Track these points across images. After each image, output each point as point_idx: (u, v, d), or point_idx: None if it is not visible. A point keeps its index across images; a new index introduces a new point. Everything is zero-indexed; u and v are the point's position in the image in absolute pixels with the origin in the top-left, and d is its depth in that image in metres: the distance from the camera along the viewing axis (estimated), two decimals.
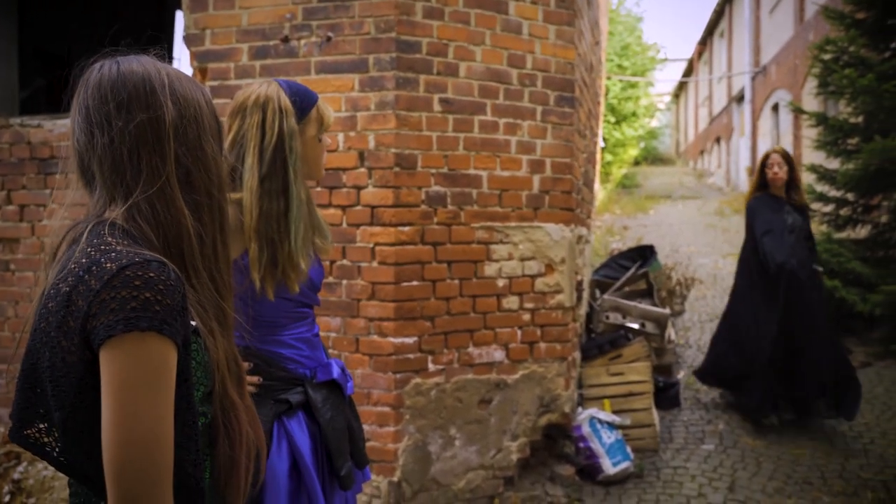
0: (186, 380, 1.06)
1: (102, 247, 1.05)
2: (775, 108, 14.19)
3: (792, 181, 4.85)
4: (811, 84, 11.54)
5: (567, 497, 4.01)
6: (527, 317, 3.91)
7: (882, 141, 5.65)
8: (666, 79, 25.94)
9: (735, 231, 11.79)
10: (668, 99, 31.05)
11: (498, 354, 3.83)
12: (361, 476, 2.06)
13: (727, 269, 9.09)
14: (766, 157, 4.94)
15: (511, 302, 3.87)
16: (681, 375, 5.74)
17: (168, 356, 1.01)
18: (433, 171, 3.63)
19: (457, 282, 3.71)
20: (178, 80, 1.16)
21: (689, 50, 26.09)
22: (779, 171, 4.81)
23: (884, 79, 5.84)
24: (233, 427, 1.15)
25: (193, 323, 1.09)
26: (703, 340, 6.75)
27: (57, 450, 1.05)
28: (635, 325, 4.75)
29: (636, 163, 23.28)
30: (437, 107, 3.63)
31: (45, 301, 1.05)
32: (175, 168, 1.12)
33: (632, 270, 5.45)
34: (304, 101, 1.94)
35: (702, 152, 23.96)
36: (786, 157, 4.86)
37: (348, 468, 1.94)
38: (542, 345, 3.96)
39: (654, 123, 23.44)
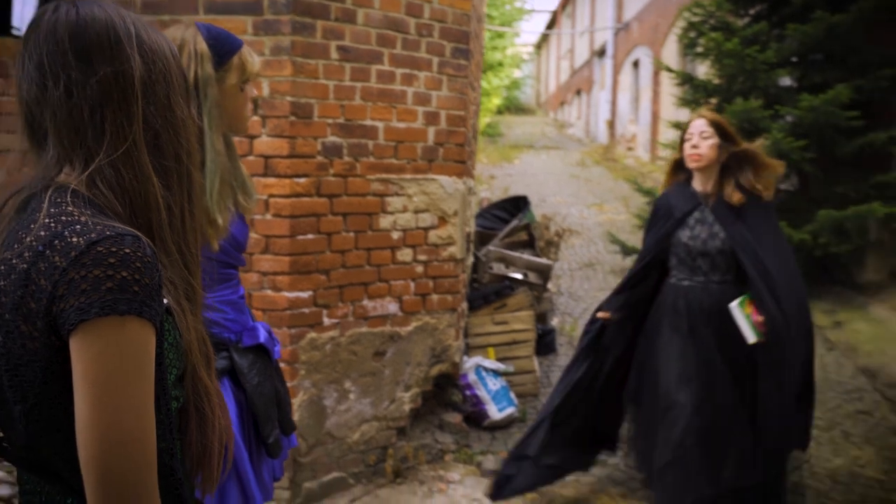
0: (160, 363, 0.96)
1: (63, 217, 0.93)
2: (636, 63, 14.79)
3: (739, 163, 3.14)
4: (671, 42, 12.11)
5: (456, 444, 4.13)
6: (420, 269, 3.93)
7: (743, 102, 6.04)
8: (530, 30, 26.33)
9: (597, 182, 12.33)
10: (530, 50, 31.59)
11: (392, 307, 3.84)
12: (288, 443, 2.01)
13: (592, 218, 9.52)
14: (689, 123, 3.26)
15: (405, 254, 3.87)
16: (555, 322, 6.00)
17: (149, 341, 0.91)
18: (329, 121, 3.52)
19: (352, 234, 3.66)
20: (144, 30, 1.04)
21: (554, 2, 26.56)
22: (700, 147, 3.12)
23: (746, 43, 6.21)
24: (205, 412, 1.07)
25: (165, 301, 0.99)
26: (573, 288, 7.07)
27: (13, 446, 0.95)
28: (518, 276, 4.89)
29: (498, 112, 23.66)
30: (334, 54, 3.51)
31: None
32: (143, 129, 1.01)
33: (514, 222, 5.58)
34: (223, 47, 1.81)
35: (562, 103, 24.68)
36: (718, 126, 3.14)
37: (276, 435, 1.88)
38: (435, 296, 4.01)
39: (517, 74, 23.84)
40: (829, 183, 6.29)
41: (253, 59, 1.86)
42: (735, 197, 3.08)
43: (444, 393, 4.36)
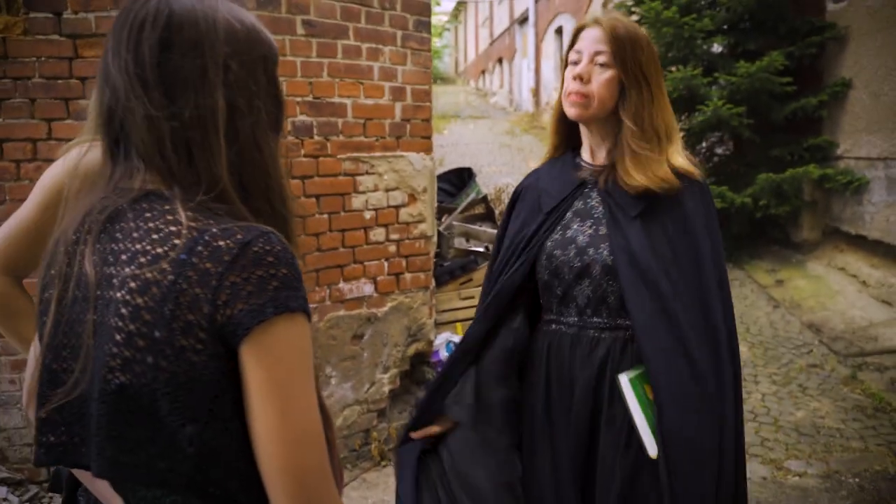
0: None
1: (191, 223, 0.86)
2: (559, 31, 14.90)
3: (634, 111, 1.68)
4: (596, 9, 12.22)
5: None
6: (392, 248, 3.87)
7: (683, 70, 6.17)
8: None
9: (528, 150, 12.43)
10: (445, 19, 31.39)
11: (367, 288, 3.77)
12: None
13: None
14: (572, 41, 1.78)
15: (378, 234, 3.80)
16: None
17: (310, 335, 0.89)
18: (298, 99, 3.40)
19: (325, 216, 3.56)
20: (255, 28, 0.97)
21: None
22: (587, 79, 1.69)
23: (685, 12, 6.33)
24: (325, 407, 1.02)
25: None
26: None
27: (178, 474, 0.87)
28: (481, 249, 4.89)
29: None
30: (300, 30, 3.38)
31: (117, 297, 0.84)
32: (265, 133, 0.95)
33: (472, 195, 5.55)
34: None
35: (483, 72, 24.69)
36: (622, 45, 1.66)
37: None
38: (408, 275, 3.96)
39: (437, 43, 23.69)
40: (764, 147, 6.52)
41: None
42: (634, 180, 1.65)
43: (416, 371, 4.34)
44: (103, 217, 0.91)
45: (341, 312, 3.65)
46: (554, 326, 1.77)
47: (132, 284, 0.85)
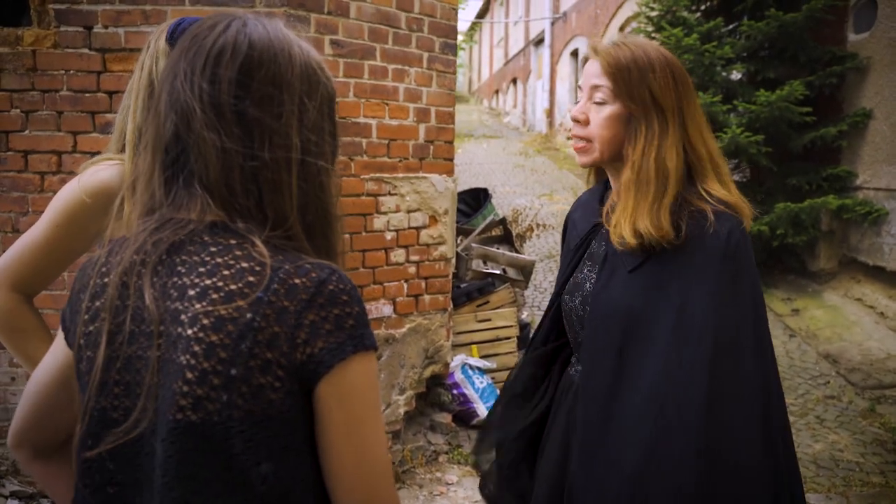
0: None
1: (264, 259, 0.85)
2: (574, 53, 14.95)
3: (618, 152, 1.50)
4: (613, 33, 12.27)
5: (448, 444, 4.09)
6: (412, 269, 3.86)
7: (703, 96, 6.17)
8: (463, 18, 26.29)
9: (542, 171, 12.44)
10: (461, 38, 31.56)
11: (386, 309, 3.76)
12: None
13: (545, 209, 9.59)
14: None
15: (398, 255, 3.79)
16: (525, 315, 6.01)
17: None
18: None
19: (347, 236, 3.56)
20: (318, 66, 0.96)
21: None
22: (586, 119, 1.50)
23: (705, 40, 6.34)
24: None
25: None
26: (537, 280, 7.11)
27: None
28: (498, 272, 4.87)
29: None
30: (328, 49, 3.39)
31: (188, 334, 0.83)
32: (329, 172, 0.95)
33: (489, 217, 5.55)
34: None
35: (497, 92, 24.78)
36: (622, 76, 1.43)
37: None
38: (427, 297, 3.94)
39: None
40: (782, 175, 6.50)
41: None
42: (614, 232, 1.47)
43: (432, 393, 4.31)
44: (162, 248, 0.88)
45: None
46: (572, 371, 1.66)
47: (205, 321, 0.83)
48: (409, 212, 3.81)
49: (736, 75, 6.81)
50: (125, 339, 0.87)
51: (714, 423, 1.33)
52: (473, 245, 4.79)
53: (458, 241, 5.28)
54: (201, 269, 0.86)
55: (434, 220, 3.93)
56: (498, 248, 5.13)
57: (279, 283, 0.84)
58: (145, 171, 0.94)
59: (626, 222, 1.43)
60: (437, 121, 3.91)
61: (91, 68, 3.17)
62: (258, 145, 0.88)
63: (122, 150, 1.52)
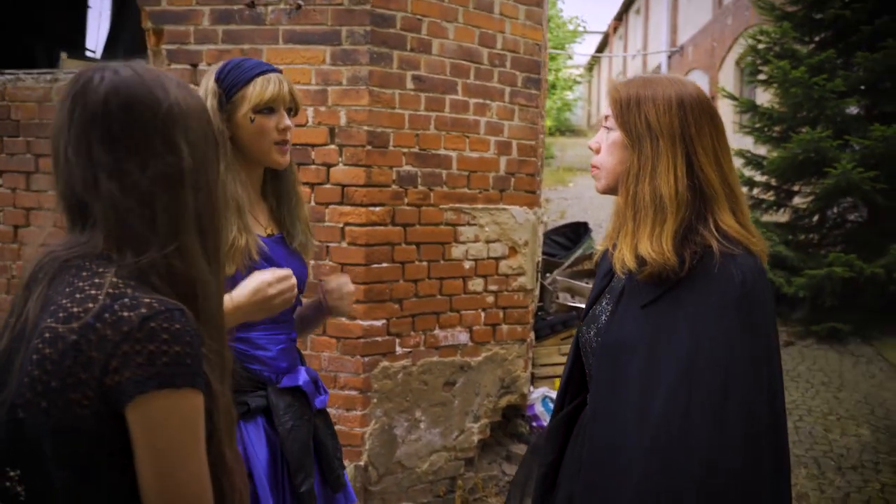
0: None
1: (110, 289, 0.95)
2: None
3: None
4: (728, 67, 11.97)
5: None
6: (490, 299, 3.92)
7: (812, 132, 5.92)
8: (582, 52, 26.27)
9: None
10: (581, 71, 31.53)
11: (462, 337, 3.82)
12: (343, 499, 1.91)
13: None
14: None
15: (476, 284, 3.86)
16: None
17: (201, 409, 0.97)
18: (405, 150, 3.55)
19: (425, 264, 3.66)
20: (185, 101, 1.04)
21: (605, 23, 26.49)
22: (595, 150, 1.57)
23: (813, 72, 6.10)
24: (226, 481, 1.07)
25: None
26: None
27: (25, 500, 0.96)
28: (583, 306, 4.84)
29: (550, 133, 23.62)
30: (410, 84, 3.54)
31: (35, 343, 0.94)
32: (193, 218, 1.03)
33: (578, 251, 5.53)
34: (233, 78, 1.73)
35: None
36: (625, 108, 1.47)
37: (309, 484, 1.77)
38: (505, 327, 3.98)
39: (569, 96, 23.81)
40: None
41: (269, 86, 1.74)
42: (616, 261, 1.48)
43: (511, 424, 4.32)
44: (55, 266, 1.01)
45: (435, 358, 3.71)
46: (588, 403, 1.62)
47: (47, 335, 0.94)
48: (488, 242, 3.88)
49: (852, 110, 6.50)
50: (17, 335, 0.99)
51: (716, 470, 1.31)
52: (559, 278, 4.79)
53: (549, 275, 5.29)
54: (66, 290, 0.97)
55: (514, 251, 3.98)
56: (587, 283, 5.10)
57: (110, 314, 0.92)
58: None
59: (628, 248, 1.43)
60: (518, 153, 3.97)
61: None
62: (112, 186, 0.99)
63: None
